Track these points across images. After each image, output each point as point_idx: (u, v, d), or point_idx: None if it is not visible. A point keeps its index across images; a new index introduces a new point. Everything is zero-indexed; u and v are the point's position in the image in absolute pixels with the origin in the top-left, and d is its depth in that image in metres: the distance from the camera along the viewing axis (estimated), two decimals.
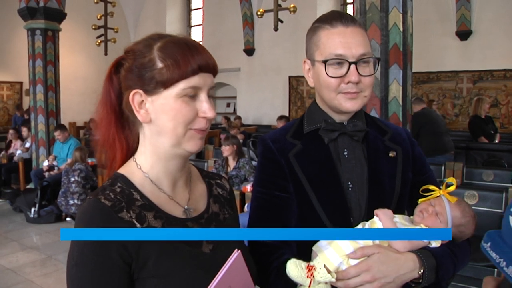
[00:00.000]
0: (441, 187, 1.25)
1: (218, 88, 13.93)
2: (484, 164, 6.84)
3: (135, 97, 1.04)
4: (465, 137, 8.18)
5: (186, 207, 1.12)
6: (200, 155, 7.73)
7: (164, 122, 1.03)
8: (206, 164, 5.93)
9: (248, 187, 4.89)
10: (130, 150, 1.13)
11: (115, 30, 10.17)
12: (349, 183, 1.29)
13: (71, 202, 6.42)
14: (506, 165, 6.70)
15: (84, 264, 0.95)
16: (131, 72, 1.04)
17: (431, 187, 1.25)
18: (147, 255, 0.98)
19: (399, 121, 3.77)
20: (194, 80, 1.03)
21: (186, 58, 1.03)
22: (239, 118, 11.23)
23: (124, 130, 1.12)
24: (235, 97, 13.46)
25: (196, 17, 14.66)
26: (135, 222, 1.00)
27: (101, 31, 10.14)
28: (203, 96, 1.06)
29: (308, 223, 1.29)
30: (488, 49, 9.35)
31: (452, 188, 1.23)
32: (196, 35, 14.61)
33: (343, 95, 1.26)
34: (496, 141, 7.31)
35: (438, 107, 9.70)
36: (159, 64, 1.02)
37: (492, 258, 1.01)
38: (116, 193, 1.02)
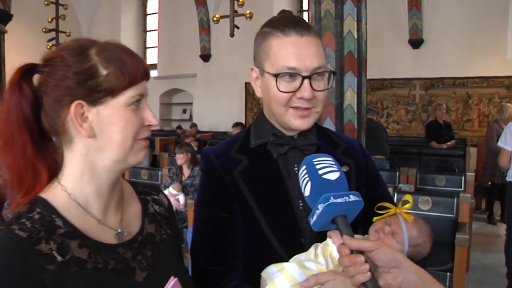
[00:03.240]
0: (397, 205, 1.20)
1: (174, 94, 13.73)
2: (437, 169, 7.03)
3: (77, 109, 0.91)
4: (419, 143, 8.39)
5: (119, 230, 1.00)
6: (154, 164, 7.55)
7: (112, 135, 0.93)
8: (160, 172, 5.78)
9: None
10: (55, 171, 0.99)
11: (68, 33, 9.85)
12: (300, 201, 1.20)
13: None
14: (457, 170, 6.91)
15: None
16: (66, 80, 0.91)
17: (387, 204, 1.18)
18: None
19: (354, 128, 3.77)
20: (141, 87, 0.96)
21: (134, 63, 0.95)
22: (194, 125, 11.08)
23: (42, 150, 0.98)
24: (191, 103, 13.30)
25: (152, 22, 14.42)
26: (55, 254, 0.87)
27: (53, 34, 9.82)
28: (145, 103, 0.99)
29: (256, 246, 1.19)
30: (439, 58, 9.62)
31: (408, 206, 1.16)
32: (152, 40, 14.38)
33: (293, 111, 1.17)
34: (445, 146, 7.50)
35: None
36: (103, 71, 0.92)
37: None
38: (34, 221, 0.89)
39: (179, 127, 11.01)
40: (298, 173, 1.16)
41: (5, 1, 7.53)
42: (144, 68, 0.98)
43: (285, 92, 1.14)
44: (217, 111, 12.60)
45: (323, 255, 1.10)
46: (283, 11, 1.32)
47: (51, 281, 0.84)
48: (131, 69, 0.94)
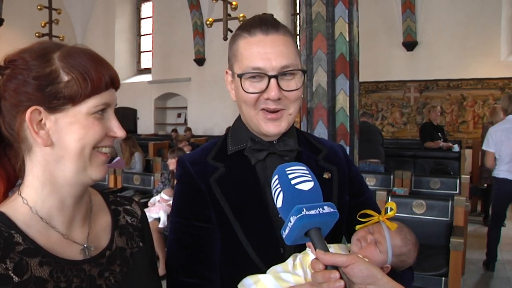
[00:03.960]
0: (380, 212, 1.14)
1: (168, 98, 13.68)
2: (432, 172, 7.00)
3: (33, 116, 0.86)
4: (413, 145, 8.37)
5: (85, 245, 0.94)
6: (148, 168, 7.49)
7: (70, 143, 0.87)
8: (152, 177, 5.73)
9: None
10: (15, 181, 0.93)
11: (61, 38, 9.83)
12: None
13: None
14: (452, 173, 6.87)
15: None
16: (26, 85, 0.85)
17: (370, 211, 1.13)
18: None
19: (347, 132, 3.72)
20: (105, 96, 0.90)
21: (98, 71, 0.89)
22: (189, 129, 11.03)
23: (2, 158, 0.92)
24: (185, 108, 13.25)
25: (146, 26, 14.39)
26: (11, 274, 0.80)
27: (46, 39, 9.76)
28: (111, 113, 0.93)
29: (233, 256, 1.14)
30: (433, 60, 9.64)
31: (392, 214, 1.11)
32: (146, 44, 14.35)
33: (263, 114, 1.13)
34: (441, 144, 7.47)
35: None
36: (65, 77, 0.86)
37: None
38: None
39: (174, 130, 10.94)
40: None
41: None
42: (110, 76, 0.92)
43: (251, 93, 1.11)
44: (211, 115, 12.55)
45: (302, 266, 1.05)
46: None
47: None
48: (95, 76, 0.88)
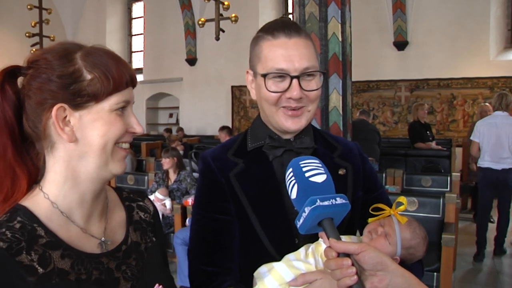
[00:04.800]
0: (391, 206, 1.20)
1: (160, 98, 13.67)
2: (423, 170, 7.07)
3: (59, 113, 0.89)
4: (405, 144, 8.44)
5: (102, 239, 0.98)
6: (140, 168, 7.49)
7: (93, 139, 0.91)
8: (146, 177, 5.73)
9: (190, 201, 4.75)
10: (37, 177, 0.97)
11: (52, 38, 9.79)
12: None
13: None
14: (442, 171, 6.96)
15: None
16: (50, 83, 0.89)
17: (381, 205, 1.19)
18: None
19: (340, 131, 3.78)
20: (126, 93, 0.95)
21: (119, 69, 0.93)
22: (181, 129, 11.04)
23: (23, 154, 0.95)
24: (177, 108, 13.25)
25: (137, 26, 14.36)
26: (36, 266, 0.84)
27: (36, 39, 9.73)
28: (130, 110, 0.98)
29: (250, 247, 1.21)
30: (423, 59, 9.73)
31: (402, 208, 1.17)
32: (137, 44, 14.32)
33: (283, 111, 1.19)
34: (433, 145, 7.56)
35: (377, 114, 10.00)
36: (88, 75, 0.90)
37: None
38: (15, 230, 0.85)
39: (167, 130, 10.94)
40: None
41: None
42: (130, 75, 0.96)
43: (274, 92, 1.17)
44: (203, 115, 12.57)
45: (314, 255, 1.11)
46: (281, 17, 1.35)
47: None
48: (116, 75, 0.93)
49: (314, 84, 1.19)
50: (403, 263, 1.17)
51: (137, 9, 14.34)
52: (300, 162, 1.01)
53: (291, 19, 11.07)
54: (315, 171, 0.99)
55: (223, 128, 8.22)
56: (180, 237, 4.28)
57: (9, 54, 12.32)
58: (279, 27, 1.19)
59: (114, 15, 14.34)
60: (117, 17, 14.43)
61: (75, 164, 0.93)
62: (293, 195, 0.98)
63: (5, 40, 11.99)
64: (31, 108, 0.92)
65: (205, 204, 1.26)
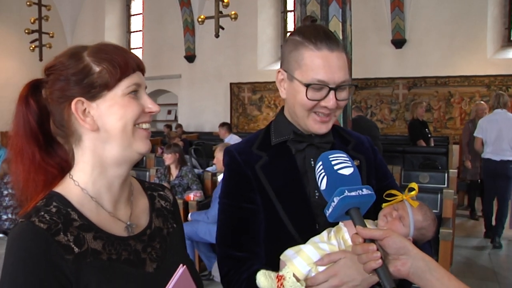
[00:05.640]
0: (403, 192, 1.28)
1: (159, 95, 13.69)
2: (420, 167, 7.14)
3: (78, 106, 0.99)
4: (402, 141, 8.52)
5: (128, 223, 1.07)
6: (141, 164, 7.55)
7: (113, 124, 1.00)
8: (147, 173, 5.80)
9: (191, 196, 4.82)
10: (68, 170, 1.06)
11: (51, 35, 9.81)
12: (316, 191, 1.31)
13: (4, 217, 6.04)
14: (440, 167, 7.03)
15: None
16: (67, 82, 0.99)
17: (394, 191, 1.27)
18: (87, 280, 0.92)
19: None
20: (134, 77, 1.03)
21: (124, 57, 1.02)
22: (180, 126, 11.09)
23: (51, 155, 1.06)
24: (176, 104, 13.29)
25: (136, 23, 14.37)
26: (72, 245, 0.93)
27: (36, 35, 9.74)
28: (143, 93, 1.06)
29: (275, 233, 1.30)
30: (421, 57, 9.79)
31: (414, 193, 1.25)
32: (136, 41, 14.33)
33: (315, 116, 1.28)
34: (432, 144, 7.67)
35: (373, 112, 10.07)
36: (96, 68, 1.00)
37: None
38: (52, 214, 0.95)
39: (167, 126, 11.00)
40: (314, 166, 1.27)
41: None
42: (135, 61, 1.05)
43: (312, 100, 1.25)
44: (202, 111, 12.62)
45: (336, 238, 1.20)
46: (307, 18, 1.42)
47: (69, 271, 0.90)
48: (122, 62, 1.01)
49: (346, 94, 1.29)
50: (415, 243, 1.26)
51: (136, 6, 14.35)
52: (329, 156, 1.11)
53: (292, 17, 10.97)
54: (343, 164, 1.09)
55: (223, 124, 8.27)
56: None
57: (9, 50, 12.35)
58: (322, 37, 1.25)
59: (112, 12, 14.35)
60: (115, 14, 14.44)
61: (101, 151, 1.02)
62: (323, 186, 1.08)
63: (4, 37, 11.99)
64: (55, 108, 1.02)
65: (232, 194, 1.35)
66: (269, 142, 1.39)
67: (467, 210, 7.28)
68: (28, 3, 9.44)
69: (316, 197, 1.31)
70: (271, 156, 1.35)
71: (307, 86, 1.24)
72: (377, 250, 0.96)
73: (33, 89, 1.03)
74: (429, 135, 7.67)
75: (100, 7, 14.10)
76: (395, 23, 9.92)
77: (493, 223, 5.85)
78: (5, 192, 6.07)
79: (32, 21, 9.66)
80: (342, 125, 3.87)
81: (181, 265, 0.93)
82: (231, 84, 12.18)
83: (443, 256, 3.58)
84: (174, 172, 5.36)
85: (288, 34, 1.38)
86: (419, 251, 1.00)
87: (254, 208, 1.32)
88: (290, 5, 11.79)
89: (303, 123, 1.32)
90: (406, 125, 9.17)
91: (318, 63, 1.24)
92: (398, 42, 10.02)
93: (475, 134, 6.09)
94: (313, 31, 1.28)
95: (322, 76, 1.23)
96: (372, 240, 0.98)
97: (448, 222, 3.96)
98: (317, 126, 1.29)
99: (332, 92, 1.24)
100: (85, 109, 0.99)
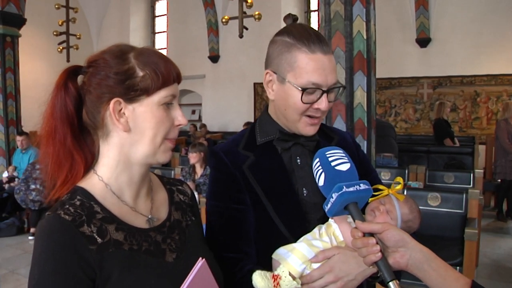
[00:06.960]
0: (390, 187, 1.31)
1: (183, 95, 13.82)
2: (445, 167, 7.07)
3: (115, 106, 1.04)
4: (427, 141, 8.44)
5: (149, 216, 1.12)
6: (165, 163, 7.64)
7: (145, 130, 1.05)
8: (173, 172, 5.88)
9: None
10: (92, 163, 1.11)
11: (78, 36, 10.03)
12: (304, 189, 1.32)
13: (33, 186, 6.22)
14: (465, 167, 6.95)
15: (46, 285, 0.92)
16: (107, 79, 1.03)
17: (380, 186, 1.29)
18: (110, 269, 0.97)
19: (364, 127, 3.85)
20: (173, 88, 1.08)
21: (167, 67, 1.06)
22: (204, 126, 11.20)
23: (81, 142, 1.10)
24: (200, 104, 13.41)
25: (160, 23, 14.55)
26: (96, 236, 0.98)
27: (63, 37, 9.95)
28: (176, 104, 1.10)
29: (266, 232, 1.30)
30: (446, 56, 9.67)
31: (399, 187, 1.27)
32: (160, 42, 14.50)
33: (306, 119, 1.28)
34: (457, 144, 7.58)
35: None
36: (140, 73, 1.04)
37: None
38: (76, 206, 1.00)
39: (193, 125, 11.13)
40: (300, 164, 1.32)
41: (19, 6, 7.67)
42: (176, 72, 1.09)
43: (306, 103, 1.25)
44: (226, 111, 12.70)
45: (327, 234, 1.22)
46: (289, 16, 1.41)
47: (93, 260, 0.96)
48: (164, 72, 1.05)
49: (334, 96, 1.30)
50: None
51: (161, 7, 14.52)
52: (326, 153, 1.13)
53: (316, 17, 10.88)
54: (340, 160, 1.11)
55: (248, 123, 8.34)
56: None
57: (38, 52, 12.67)
58: (315, 40, 1.24)
59: (137, 13, 14.55)
60: (140, 15, 14.63)
61: (127, 150, 1.07)
62: (321, 182, 1.10)
63: (34, 39, 12.27)
64: (90, 101, 1.06)
65: (220, 195, 1.33)
66: (254, 142, 1.38)
67: (494, 211, 7.16)
68: (56, 6, 9.64)
69: (305, 195, 1.32)
70: (257, 156, 1.34)
71: (303, 90, 1.23)
72: (377, 243, 0.99)
73: (72, 74, 1.08)
74: (454, 134, 7.60)
75: (125, 9, 14.32)
76: (420, 21, 9.82)
77: None
78: (33, 187, 6.23)
79: (60, 23, 9.86)
80: (366, 124, 3.88)
81: (200, 258, 0.96)
82: (255, 84, 12.23)
83: (468, 256, 3.55)
84: (199, 171, 5.44)
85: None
86: (417, 243, 1.03)
87: (243, 209, 1.30)
88: (313, 5, 11.77)
89: (293, 126, 1.31)
90: (430, 125, 9.06)
91: (312, 66, 1.22)
92: (423, 41, 9.91)
93: None
94: (304, 33, 1.26)
95: (317, 79, 1.22)
96: (371, 234, 1.01)
97: (474, 222, 3.92)
98: (307, 128, 1.30)
99: (325, 95, 1.24)
100: (121, 110, 1.04)
